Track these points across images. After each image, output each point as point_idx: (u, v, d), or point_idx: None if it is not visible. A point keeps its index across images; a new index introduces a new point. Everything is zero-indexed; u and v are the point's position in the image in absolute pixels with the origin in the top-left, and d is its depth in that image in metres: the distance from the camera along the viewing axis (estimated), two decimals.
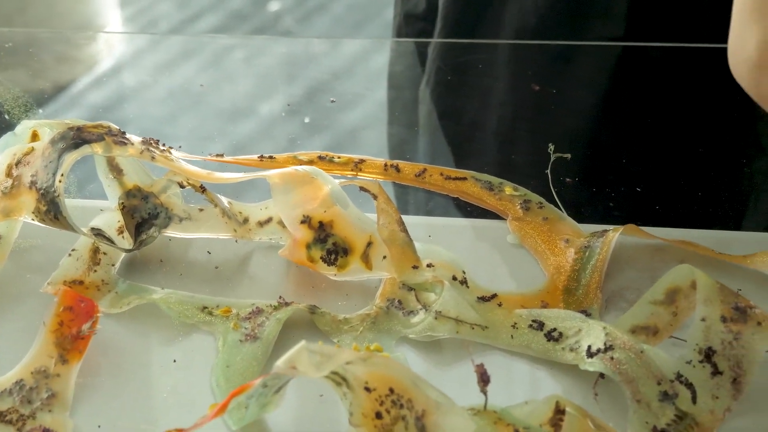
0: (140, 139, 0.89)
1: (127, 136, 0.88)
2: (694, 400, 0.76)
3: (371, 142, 1.12)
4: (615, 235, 0.87)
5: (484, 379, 0.70)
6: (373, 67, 1.25)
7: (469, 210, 0.95)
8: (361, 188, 0.88)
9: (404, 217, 0.86)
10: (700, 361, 0.77)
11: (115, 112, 1.15)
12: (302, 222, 0.86)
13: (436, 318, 0.82)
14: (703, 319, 0.78)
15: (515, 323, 0.82)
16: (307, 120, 1.11)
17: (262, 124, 1.13)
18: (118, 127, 0.89)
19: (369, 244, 0.86)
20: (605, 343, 0.77)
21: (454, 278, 0.85)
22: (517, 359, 0.81)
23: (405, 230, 0.85)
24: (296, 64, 1.23)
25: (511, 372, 0.80)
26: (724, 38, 0.73)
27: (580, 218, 0.91)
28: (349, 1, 2.89)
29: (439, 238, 0.91)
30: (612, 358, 0.76)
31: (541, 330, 0.81)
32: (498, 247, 0.91)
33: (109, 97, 1.19)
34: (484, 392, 0.70)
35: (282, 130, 1.11)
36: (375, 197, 0.86)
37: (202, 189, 0.90)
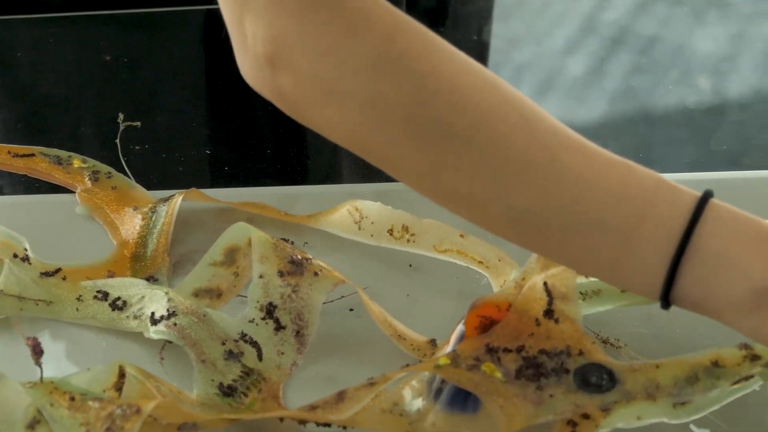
0: None
1: None
2: (260, 357, 0.77)
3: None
4: (178, 199, 0.87)
5: (36, 352, 0.70)
6: None
7: (38, 186, 0.93)
8: None
9: None
10: (263, 318, 0.78)
11: None
12: None
13: None
14: (260, 276, 0.79)
15: (80, 295, 0.81)
16: None
17: None
18: None
19: None
20: (168, 310, 0.77)
21: (15, 256, 0.83)
22: (85, 331, 0.80)
23: None
24: None
25: (79, 344, 0.80)
26: None
27: (151, 185, 0.91)
28: None
29: (4, 217, 0.89)
30: (175, 324, 0.76)
31: (106, 300, 0.80)
32: (67, 221, 0.89)
33: None
34: (39, 364, 0.69)
35: None
36: None
37: None
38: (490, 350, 0.72)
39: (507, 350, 0.72)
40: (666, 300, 0.67)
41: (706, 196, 0.66)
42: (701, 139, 1.65)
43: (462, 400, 0.71)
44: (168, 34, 1.06)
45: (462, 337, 0.74)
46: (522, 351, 0.72)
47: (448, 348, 0.74)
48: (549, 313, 0.74)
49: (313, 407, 0.71)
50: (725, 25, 2.61)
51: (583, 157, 0.66)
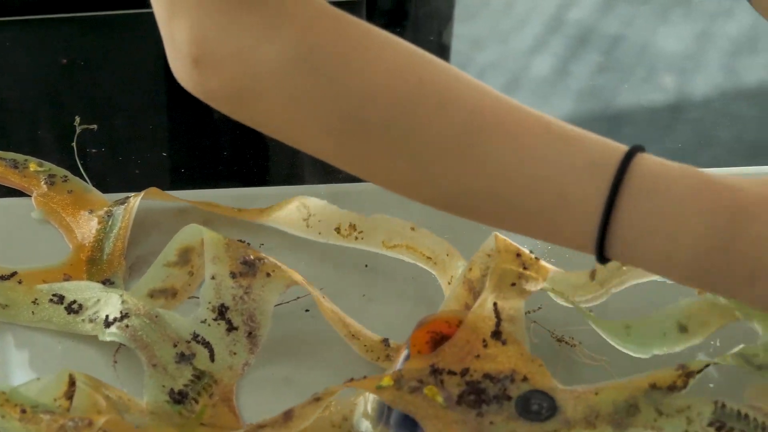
0: None
1: None
2: (212, 358, 0.77)
3: None
4: (136, 200, 0.87)
5: None
6: None
7: None
8: None
9: None
10: (215, 319, 0.78)
11: None
12: None
13: None
14: (213, 277, 0.79)
15: (36, 299, 0.81)
16: None
17: None
18: None
19: None
20: (121, 312, 0.77)
21: None
22: (41, 335, 0.80)
23: None
24: None
25: (35, 348, 0.80)
26: None
27: (107, 188, 0.91)
28: None
29: None
30: (127, 326, 0.77)
31: (62, 303, 0.80)
32: (23, 225, 0.89)
33: None
34: None
35: None
36: None
37: None
38: (435, 371, 0.72)
39: (451, 373, 0.73)
40: (603, 259, 0.68)
41: (625, 163, 0.66)
42: (665, 137, 1.67)
43: (411, 422, 0.71)
44: (125, 37, 1.07)
45: (408, 358, 0.74)
46: (466, 375, 0.73)
47: (395, 367, 0.75)
48: (497, 334, 0.75)
49: (260, 426, 0.71)
50: (689, 24, 2.62)
51: (502, 138, 0.67)
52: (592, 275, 0.80)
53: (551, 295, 0.80)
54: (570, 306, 0.79)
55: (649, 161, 0.66)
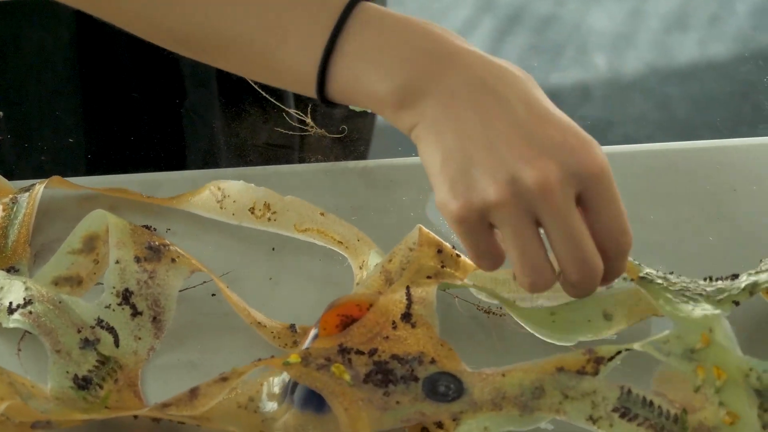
0: None
1: None
2: (116, 343, 0.77)
3: None
4: (39, 188, 0.86)
5: None
6: None
7: None
8: None
9: None
10: (119, 304, 0.78)
11: None
12: None
13: None
14: (117, 262, 0.79)
15: None
16: None
17: None
18: None
19: None
20: (25, 298, 0.77)
21: None
22: None
23: None
24: None
25: None
26: None
27: (13, 175, 0.90)
28: None
29: None
30: (30, 312, 0.76)
31: None
32: None
33: None
34: None
35: None
36: None
37: None
38: (343, 351, 0.72)
39: (359, 352, 0.73)
40: (323, 99, 0.71)
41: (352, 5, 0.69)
42: (598, 114, 1.68)
43: (317, 399, 0.71)
44: (32, 23, 1.05)
45: (316, 337, 0.74)
46: (374, 355, 0.73)
47: (303, 346, 0.74)
48: (407, 316, 0.75)
49: (166, 405, 0.70)
50: (621, 2, 2.63)
51: None
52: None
53: (473, 291, 0.80)
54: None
55: (374, 7, 0.70)
